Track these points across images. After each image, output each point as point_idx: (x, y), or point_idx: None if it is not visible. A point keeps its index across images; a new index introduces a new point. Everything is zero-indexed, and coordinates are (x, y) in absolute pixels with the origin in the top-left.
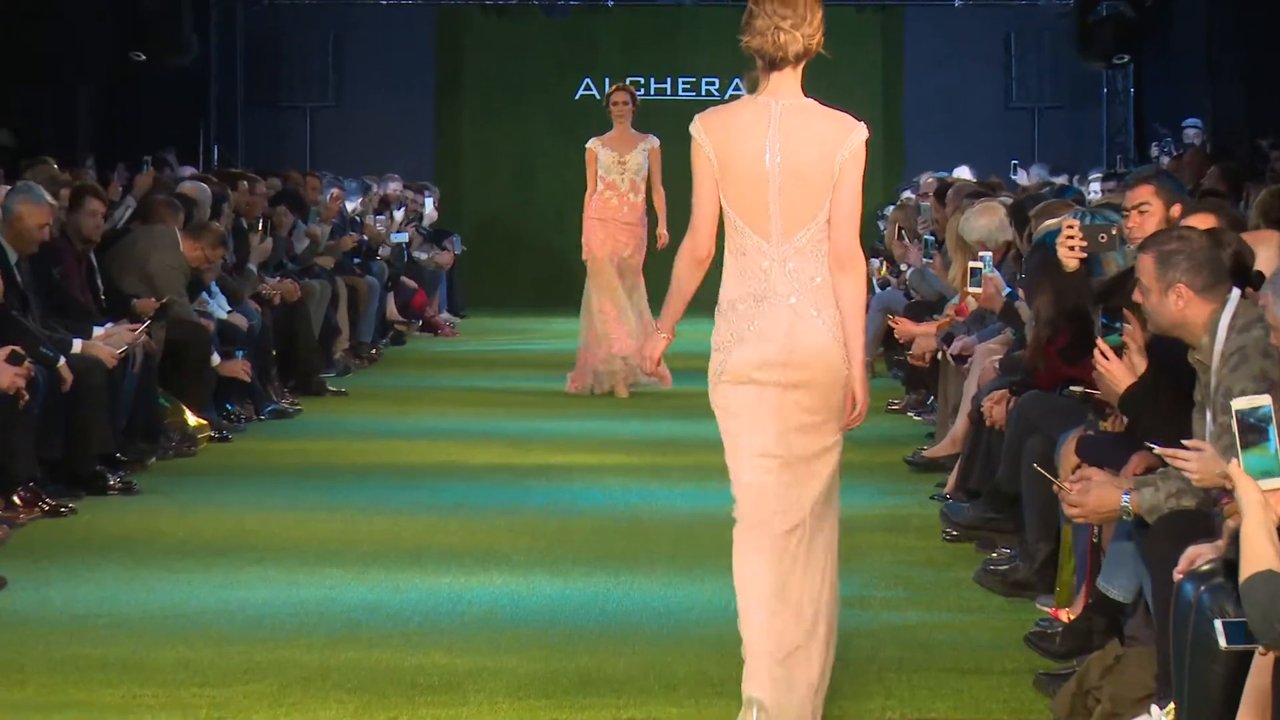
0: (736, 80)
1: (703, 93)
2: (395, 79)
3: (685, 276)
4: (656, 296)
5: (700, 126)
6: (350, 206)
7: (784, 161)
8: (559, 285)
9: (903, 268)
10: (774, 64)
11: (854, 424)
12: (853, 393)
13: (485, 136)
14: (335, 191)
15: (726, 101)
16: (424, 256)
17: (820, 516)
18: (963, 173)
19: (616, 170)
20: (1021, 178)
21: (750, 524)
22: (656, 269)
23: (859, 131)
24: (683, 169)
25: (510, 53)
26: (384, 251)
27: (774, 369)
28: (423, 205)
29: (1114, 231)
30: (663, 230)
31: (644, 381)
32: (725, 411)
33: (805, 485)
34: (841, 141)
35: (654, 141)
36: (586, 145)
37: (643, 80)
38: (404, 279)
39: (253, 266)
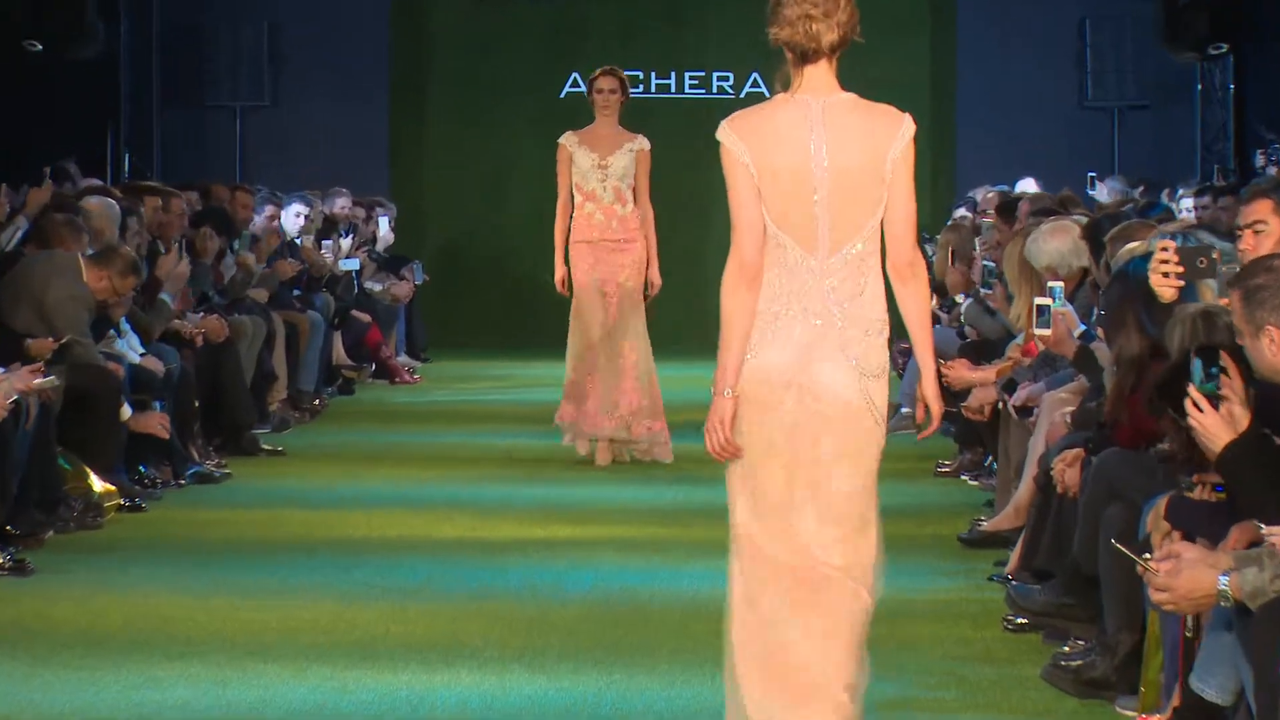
0: (754, 75)
1: (714, 89)
2: (343, 74)
3: (738, 304)
4: (660, 339)
5: (732, 131)
6: (289, 227)
7: (832, 165)
8: (541, 322)
9: (957, 300)
10: (806, 57)
11: (929, 434)
12: (924, 401)
13: (452, 143)
14: (271, 209)
15: (742, 101)
16: (378, 288)
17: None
18: (1027, 186)
19: (596, 177)
20: (1099, 192)
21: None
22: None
23: (907, 124)
24: (684, 179)
25: (482, 42)
26: (338, 276)
27: (790, 388)
28: (376, 226)
29: (1214, 255)
30: (654, 273)
31: (637, 447)
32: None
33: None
34: (892, 138)
35: (643, 143)
36: (559, 140)
37: (641, 74)
38: (354, 314)
39: (167, 298)
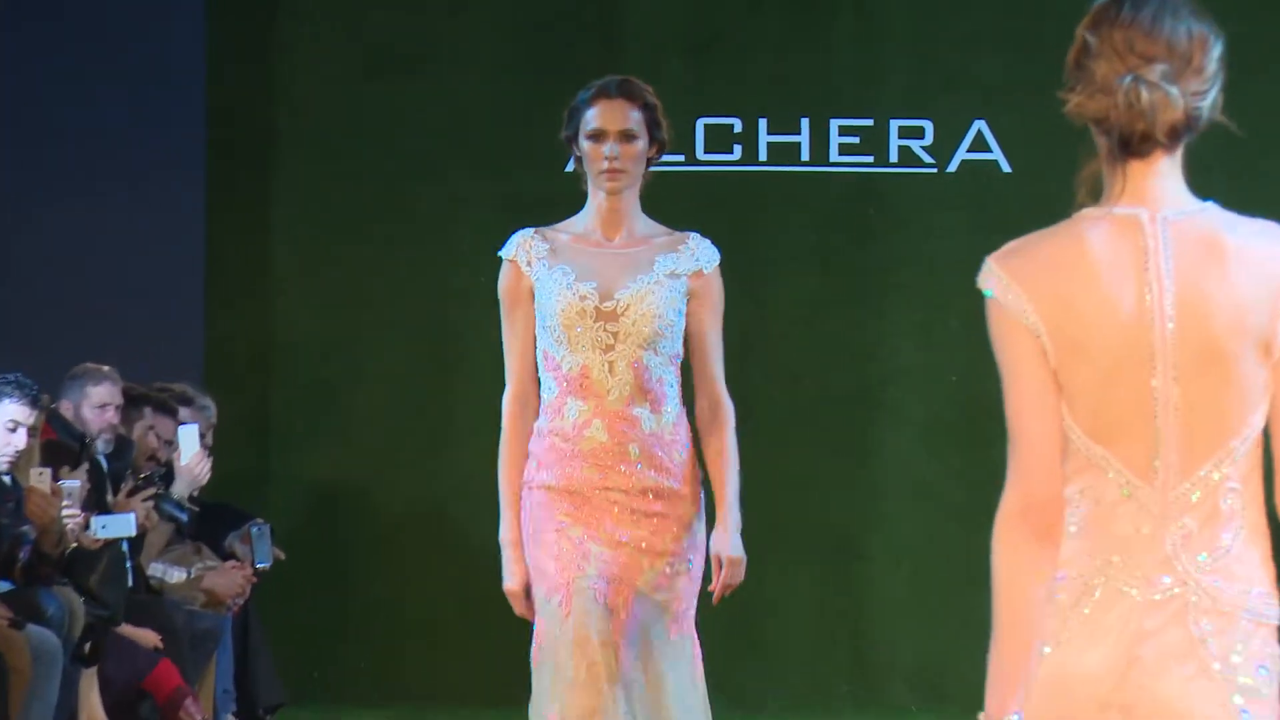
0: (978, 125)
1: (891, 155)
2: (107, 137)
3: (1022, 567)
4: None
5: (1003, 274)
6: None
7: (1182, 328)
8: (508, 648)
9: None
10: (1129, 145)
11: None
12: None
13: (331, 276)
14: None
15: (949, 178)
16: (177, 576)
17: None
18: None
19: (592, 337)
20: None
21: None
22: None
23: None
24: (826, 329)
25: (394, 56)
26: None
27: (1107, 711)
28: (174, 445)
29: None
30: (723, 540)
31: None
32: None
33: None
34: None
35: (703, 252)
36: (504, 252)
37: (739, 124)
38: (124, 630)
39: None
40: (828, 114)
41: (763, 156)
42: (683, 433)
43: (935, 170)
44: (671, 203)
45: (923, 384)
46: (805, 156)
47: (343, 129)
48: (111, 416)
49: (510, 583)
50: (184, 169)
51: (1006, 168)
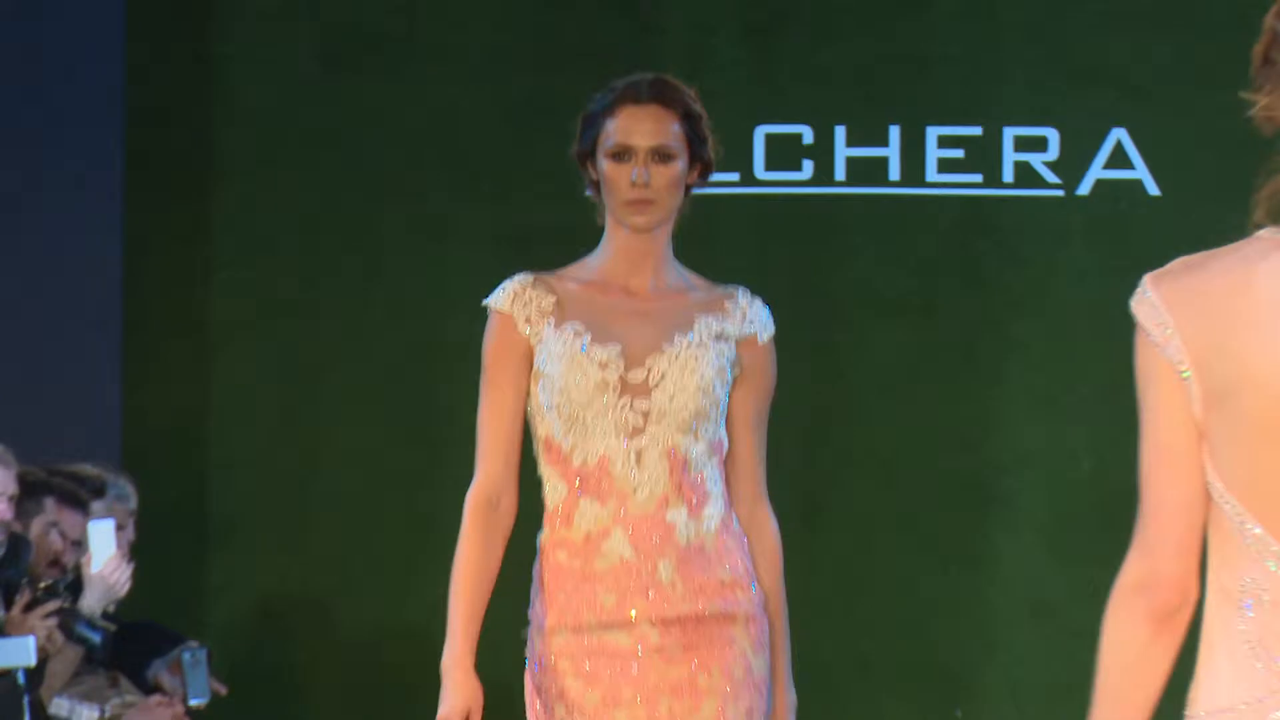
0: (1117, 135)
1: (1005, 176)
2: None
3: (1136, 654)
4: None
5: (1156, 298)
6: None
7: None
8: None
9: None
10: None
11: None
12: None
13: (284, 327)
14: None
15: (1077, 203)
16: (89, 714)
17: None
18: None
19: (616, 421)
20: None
21: None
22: None
23: None
24: (881, 401)
25: (364, 73)
26: None
27: None
28: (81, 543)
29: None
30: (780, 703)
31: None
32: None
33: None
34: None
35: (755, 315)
36: (490, 300)
37: (809, 134)
38: None
39: None
40: (924, 120)
41: (840, 175)
42: (731, 540)
43: (1062, 193)
44: (724, 233)
45: (1048, 472)
46: (895, 175)
47: (297, 139)
48: (3, 510)
49: (445, 706)
50: (96, 181)
51: (1154, 189)
